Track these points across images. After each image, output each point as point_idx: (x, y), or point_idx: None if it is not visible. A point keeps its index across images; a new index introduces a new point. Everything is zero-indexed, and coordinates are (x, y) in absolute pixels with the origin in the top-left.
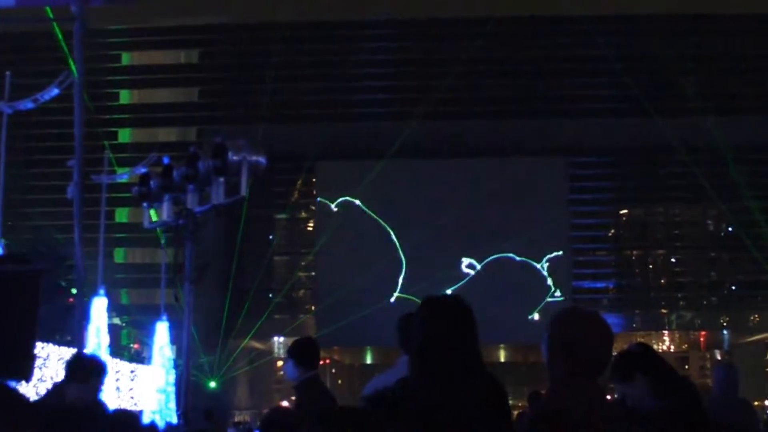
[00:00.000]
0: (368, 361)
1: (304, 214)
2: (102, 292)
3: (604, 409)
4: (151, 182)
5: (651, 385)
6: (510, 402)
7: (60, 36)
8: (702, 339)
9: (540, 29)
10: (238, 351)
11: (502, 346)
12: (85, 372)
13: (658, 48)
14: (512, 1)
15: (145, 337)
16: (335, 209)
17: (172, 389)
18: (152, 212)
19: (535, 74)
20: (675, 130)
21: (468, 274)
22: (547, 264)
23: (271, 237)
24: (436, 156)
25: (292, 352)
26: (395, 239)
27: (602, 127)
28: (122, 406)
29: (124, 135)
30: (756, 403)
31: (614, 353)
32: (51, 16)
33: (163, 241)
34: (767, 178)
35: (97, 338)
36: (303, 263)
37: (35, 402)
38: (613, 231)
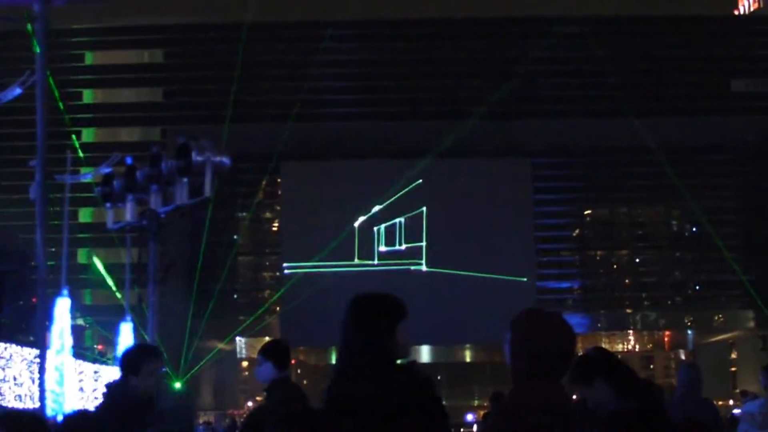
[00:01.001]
0: (333, 361)
1: (268, 215)
2: (65, 292)
3: (566, 409)
4: (115, 182)
5: (611, 388)
6: (476, 402)
7: (29, 33)
8: (666, 339)
9: (504, 31)
10: (215, 351)
11: (467, 346)
12: (135, 362)
13: (623, 49)
14: (475, 2)
15: (109, 337)
16: None
17: None
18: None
19: (500, 75)
20: (639, 130)
21: (432, 275)
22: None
23: (235, 237)
24: (400, 156)
25: (271, 354)
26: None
27: (566, 128)
28: (86, 407)
29: (88, 134)
30: (720, 402)
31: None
32: (27, 17)
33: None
34: (731, 178)
35: (60, 339)
36: (267, 263)
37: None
38: (577, 231)
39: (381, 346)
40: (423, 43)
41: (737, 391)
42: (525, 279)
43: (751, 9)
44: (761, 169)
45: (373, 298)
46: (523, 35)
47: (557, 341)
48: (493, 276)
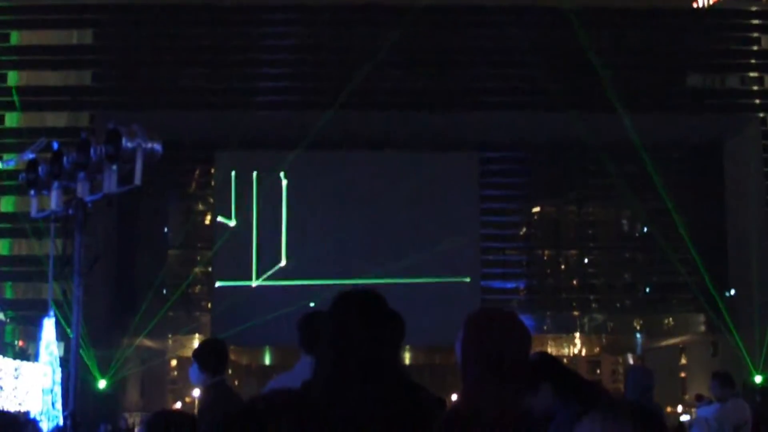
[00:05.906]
0: (267, 362)
1: (201, 206)
2: None
3: (517, 413)
4: (40, 169)
5: (556, 391)
6: None
7: None
8: (615, 342)
9: (451, 19)
10: (132, 349)
11: (407, 348)
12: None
13: (573, 40)
14: None
15: (31, 333)
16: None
17: (59, 389)
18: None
19: (445, 65)
20: (589, 125)
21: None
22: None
23: (166, 230)
24: (341, 148)
25: (197, 355)
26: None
27: (514, 121)
28: (5, 407)
29: (12, 119)
30: (669, 409)
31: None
32: None
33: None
34: (683, 176)
35: None
36: (199, 258)
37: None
38: (524, 229)
39: (393, 349)
40: (368, 31)
41: (687, 397)
42: (468, 279)
43: (711, 2)
44: (714, 169)
45: (376, 296)
46: (473, 24)
47: (514, 343)
48: (435, 278)
